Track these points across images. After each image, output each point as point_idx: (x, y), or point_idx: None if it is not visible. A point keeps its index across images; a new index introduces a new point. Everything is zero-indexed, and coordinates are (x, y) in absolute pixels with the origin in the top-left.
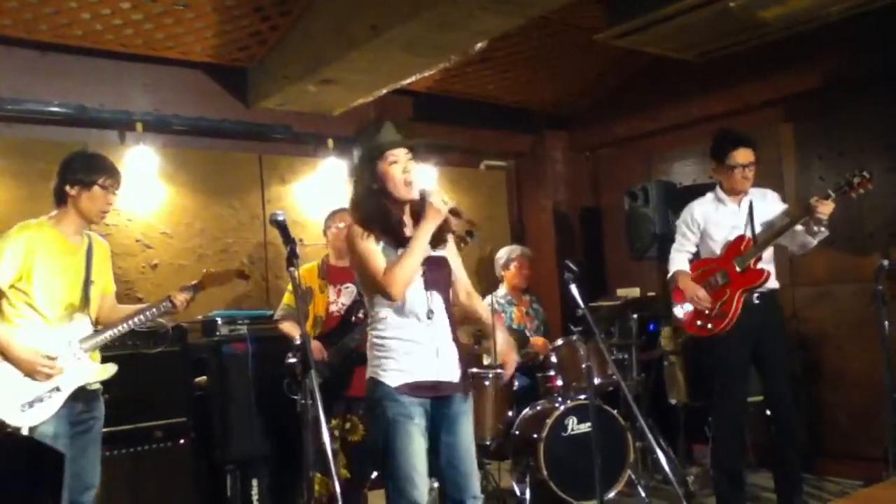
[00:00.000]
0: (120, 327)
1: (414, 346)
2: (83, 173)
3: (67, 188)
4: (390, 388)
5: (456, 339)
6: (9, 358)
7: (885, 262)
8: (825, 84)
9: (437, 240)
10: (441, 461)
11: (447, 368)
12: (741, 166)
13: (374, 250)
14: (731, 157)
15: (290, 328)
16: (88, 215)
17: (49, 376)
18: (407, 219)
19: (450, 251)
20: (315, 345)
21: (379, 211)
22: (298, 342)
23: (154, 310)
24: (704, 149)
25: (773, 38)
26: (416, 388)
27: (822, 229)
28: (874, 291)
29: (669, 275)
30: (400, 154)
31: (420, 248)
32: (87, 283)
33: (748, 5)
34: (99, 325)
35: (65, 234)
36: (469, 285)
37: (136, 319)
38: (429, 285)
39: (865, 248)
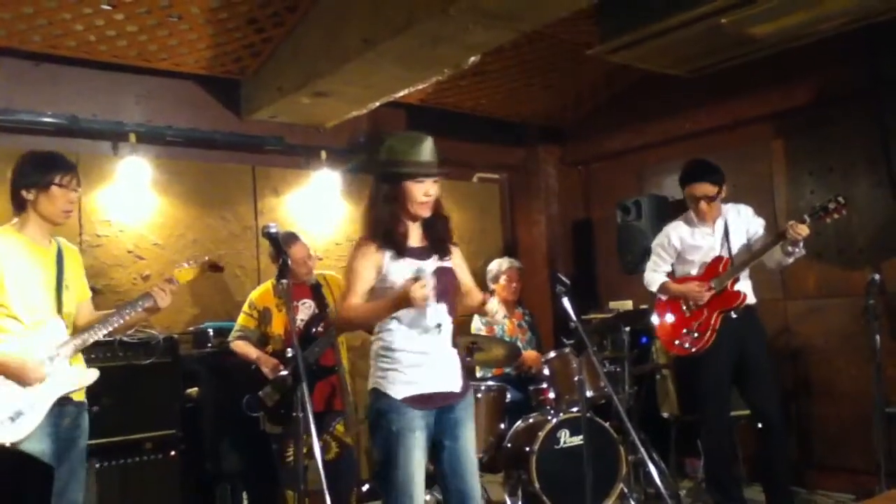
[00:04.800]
0: (97, 329)
1: (423, 358)
2: (37, 175)
3: (24, 193)
4: (395, 400)
5: (457, 350)
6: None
7: (877, 277)
8: (815, 100)
9: (442, 251)
10: (444, 467)
11: (451, 379)
12: (696, 199)
13: (363, 277)
14: (688, 189)
15: (244, 347)
16: (51, 217)
17: (41, 379)
18: (415, 231)
19: (455, 256)
20: (271, 361)
21: (389, 219)
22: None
23: (130, 308)
24: None
25: (763, 54)
26: (421, 401)
27: (798, 250)
28: (865, 306)
29: (655, 288)
30: (427, 178)
31: (375, 317)
32: (60, 287)
33: (739, 22)
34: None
35: (32, 239)
36: (469, 283)
37: (113, 319)
38: (439, 297)
39: (856, 263)
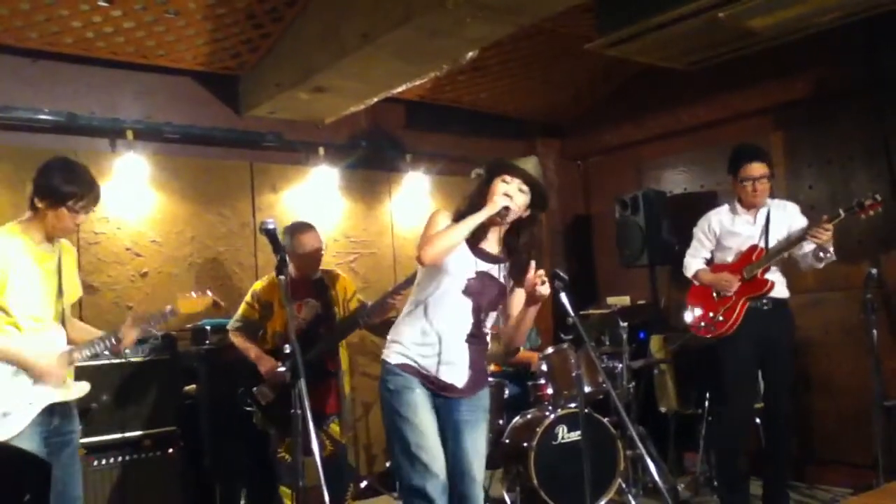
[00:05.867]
0: (87, 352)
1: (422, 338)
2: (54, 188)
3: (37, 199)
4: (393, 365)
5: (472, 348)
6: (22, 362)
7: (874, 271)
8: (814, 93)
9: (511, 271)
10: (447, 469)
11: (453, 372)
12: (752, 179)
13: (440, 222)
14: (742, 170)
15: (243, 342)
16: (52, 232)
17: (62, 379)
18: (493, 236)
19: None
20: (269, 361)
21: (469, 207)
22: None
23: (107, 340)
24: (695, 157)
25: (761, 47)
26: (415, 373)
27: (829, 255)
28: (863, 300)
29: (690, 274)
30: (515, 180)
31: (465, 227)
32: (60, 293)
33: (737, 15)
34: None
35: (36, 242)
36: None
37: (98, 348)
38: (467, 291)
39: (854, 257)
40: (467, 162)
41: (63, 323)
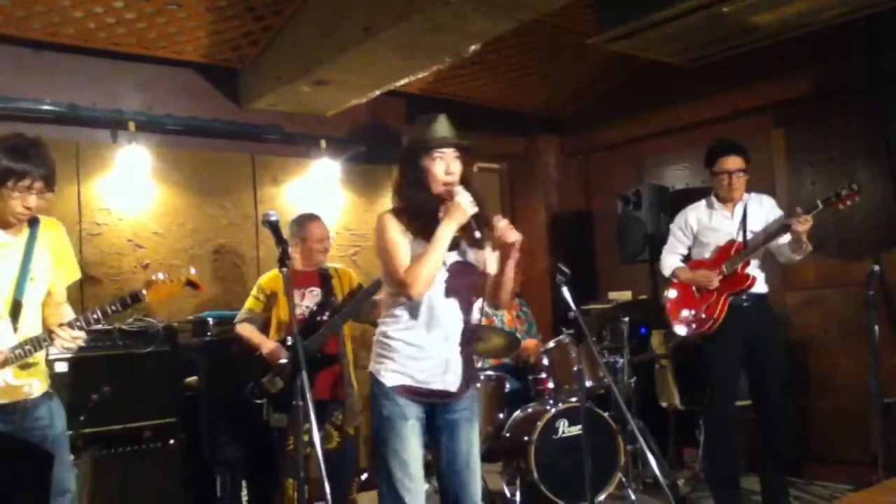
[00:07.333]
0: (27, 349)
1: (419, 352)
2: None
3: None
4: (387, 387)
5: (465, 349)
6: None
7: (876, 268)
8: (816, 90)
9: (472, 241)
10: (441, 464)
11: (448, 378)
12: (727, 173)
13: (400, 243)
14: (717, 164)
15: (249, 331)
16: (4, 216)
17: None
18: (443, 216)
19: (487, 251)
20: (272, 345)
21: (416, 204)
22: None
23: (26, 346)
24: (696, 153)
25: (764, 44)
26: (411, 392)
27: (805, 245)
28: (865, 297)
29: (668, 274)
30: (447, 152)
31: (441, 245)
32: (23, 280)
33: (740, 11)
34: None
35: None
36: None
37: (44, 343)
38: (449, 292)
39: (855, 253)
40: (467, 156)
41: (17, 318)
